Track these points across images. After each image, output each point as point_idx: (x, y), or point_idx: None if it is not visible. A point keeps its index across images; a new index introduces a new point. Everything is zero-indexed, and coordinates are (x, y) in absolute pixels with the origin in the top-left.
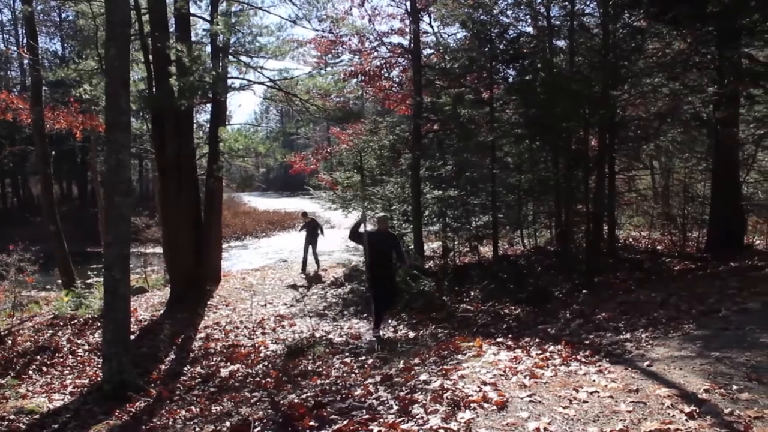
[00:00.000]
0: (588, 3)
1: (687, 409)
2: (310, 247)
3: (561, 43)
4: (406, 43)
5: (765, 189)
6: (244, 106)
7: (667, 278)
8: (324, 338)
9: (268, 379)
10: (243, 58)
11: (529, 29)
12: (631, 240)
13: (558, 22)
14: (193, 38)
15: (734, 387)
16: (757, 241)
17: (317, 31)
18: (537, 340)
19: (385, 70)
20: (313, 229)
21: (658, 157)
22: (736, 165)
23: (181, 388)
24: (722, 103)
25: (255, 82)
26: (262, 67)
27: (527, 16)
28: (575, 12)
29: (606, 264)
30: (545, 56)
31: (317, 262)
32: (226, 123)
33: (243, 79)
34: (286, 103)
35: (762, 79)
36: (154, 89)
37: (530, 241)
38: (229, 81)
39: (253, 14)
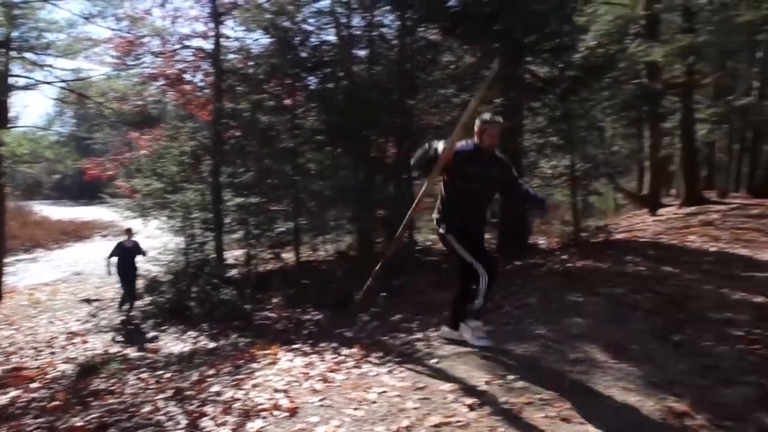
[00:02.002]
0: (387, 15)
1: (468, 402)
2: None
3: (362, 53)
4: (209, 46)
5: (546, 193)
6: (35, 108)
7: None
8: (120, 354)
9: (55, 403)
10: (28, 54)
11: (332, 38)
12: (429, 242)
13: (359, 32)
14: None
15: (511, 377)
16: (541, 241)
17: (114, 30)
18: (334, 345)
19: (187, 74)
20: (131, 252)
21: None
22: (520, 171)
23: None
24: (508, 114)
25: (42, 82)
26: (51, 66)
27: (329, 25)
28: (374, 23)
29: (405, 267)
30: (346, 65)
31: (132, 299)
32: (10, 125)
33: (28, 77)
34: (81, 106)
35: (541, 94)
36: None
37: (333, 246)
38: (12, 79)
39: (40, 7)
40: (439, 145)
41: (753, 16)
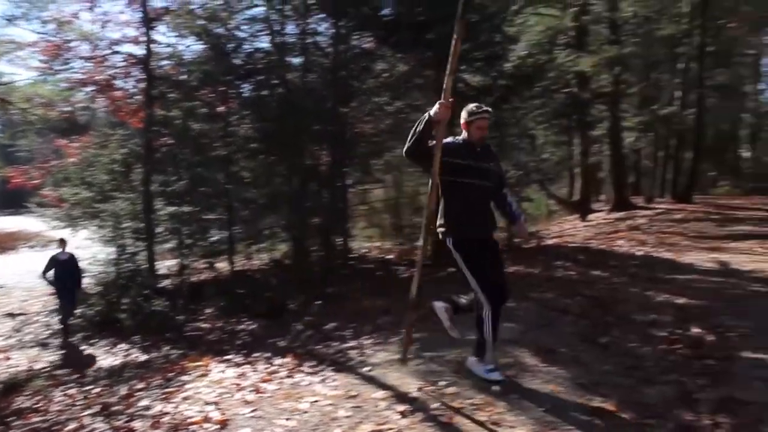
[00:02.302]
0: (321, 23)
1: (400, 408)
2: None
3: (296, 61)
4: (140, 52)
5: None
6: None
7: (395, 286)
8: (46, 370)
9: None
10: None
11: (265, 45)
12: (364, 250)
13: (293, 40)
14: None
15: (442, 383)
16: None
17: (40, 33)
18: (267, 355)
19: (118, 80)
20: (67, 265)
21: (388, 171)
22: None
23: None
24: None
25: None
26: None
27: (263, 33)
28: (308, 31)
29: (340, 275)
30: (280, 72)
31: (66, 321)
32: None
33: None
34: (4, 112)
35: (474, 102)
36: None
37: (268, 255)
38: None
39: None
40: (431, 111)
41: (673, 30)
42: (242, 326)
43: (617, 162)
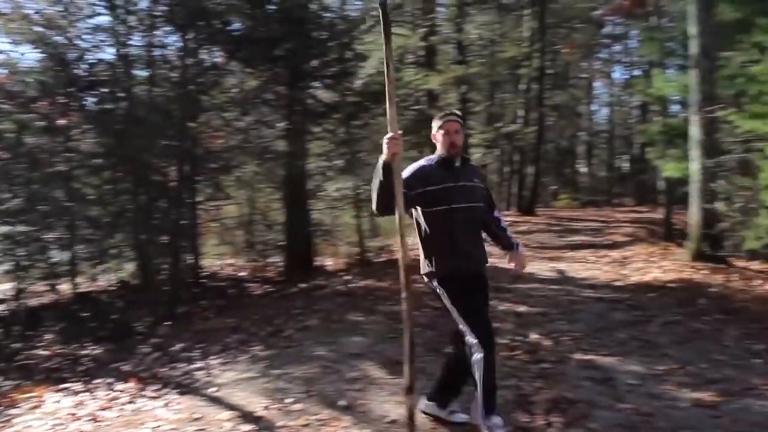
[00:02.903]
0: (168, 36)
1: (245, 429)
2: None
3: (143, 73)
4: None
5: (331, 215)
6: None
7: (245, 303)
8: None
9: None
10: None
11: (110, 56)
12: (216, 268)
13: (139, 52)
14: None
15: (289, 400)
16: (328, 263)
17: None
18: (109, 380)
19: None
20: None
21: (240, 187)
22: (305, 194)
23: None
24: (291, 138)
25: None
26: None
27: (107, 43)
28: (155, 43)
29: (190, 294)
30: (125, 85)
31: None
32: None
33: None
34: None
35: (323, 118)
36: None
37: (114, 275)
38: None
39: None
40: (381, 156)
41: (515, 52)
42: (85, 351)
43: None
